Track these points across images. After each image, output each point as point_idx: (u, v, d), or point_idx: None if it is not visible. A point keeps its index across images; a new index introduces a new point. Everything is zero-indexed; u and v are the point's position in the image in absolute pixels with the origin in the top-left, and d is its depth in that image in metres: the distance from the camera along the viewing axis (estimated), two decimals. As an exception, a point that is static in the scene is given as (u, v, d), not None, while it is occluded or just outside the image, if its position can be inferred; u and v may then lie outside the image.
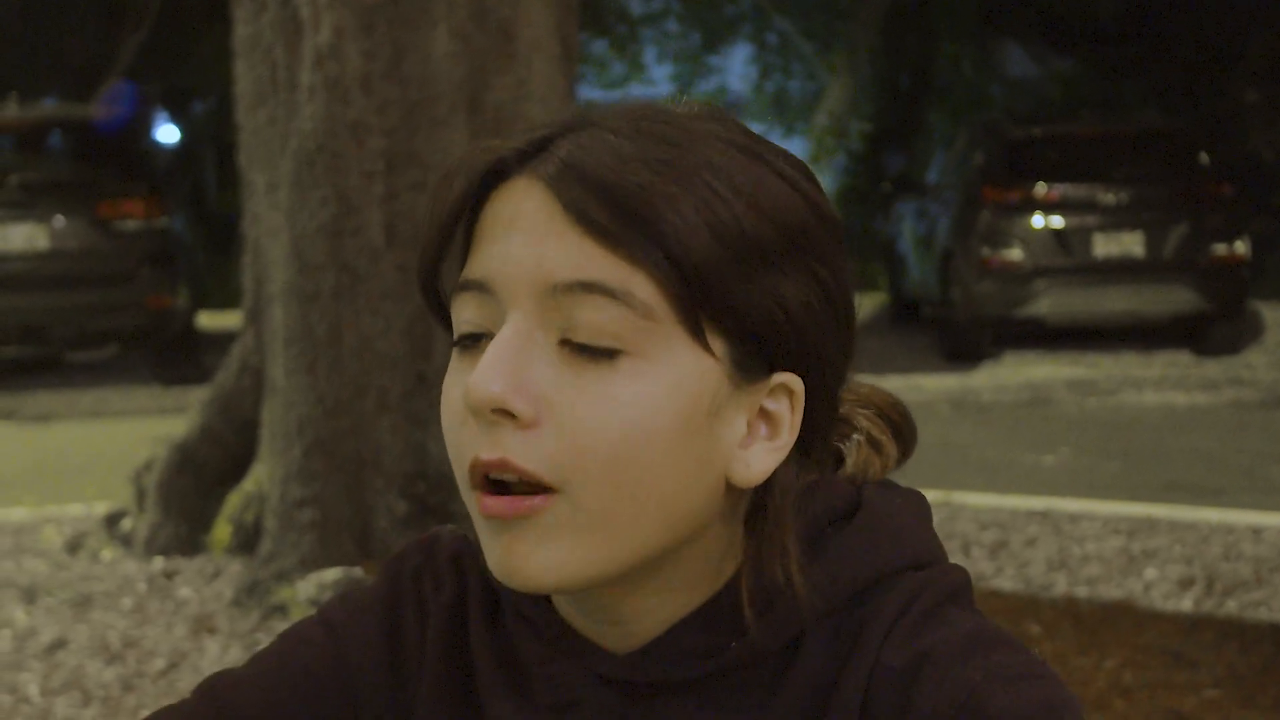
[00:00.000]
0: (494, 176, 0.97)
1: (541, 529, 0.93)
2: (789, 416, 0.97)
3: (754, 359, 0.95)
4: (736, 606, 0.99)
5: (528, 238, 0.93)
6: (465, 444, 0.94)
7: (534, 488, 0.92)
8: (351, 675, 1.10)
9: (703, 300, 0.92)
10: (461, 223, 0.98)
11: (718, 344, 0.93)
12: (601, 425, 0.91)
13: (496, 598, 1.09)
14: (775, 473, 0.97)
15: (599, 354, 0.91)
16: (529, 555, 0.93)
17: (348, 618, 1.12)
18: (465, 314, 0.96)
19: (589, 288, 0.91)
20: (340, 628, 1.11)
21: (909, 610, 0.98)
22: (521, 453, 0.91)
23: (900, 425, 1.12)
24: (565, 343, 0.92)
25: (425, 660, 1.10)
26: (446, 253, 0.98)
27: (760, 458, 0.97)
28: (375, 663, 1.10)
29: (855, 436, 1.09)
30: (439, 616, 1.10)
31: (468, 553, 1.12)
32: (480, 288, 0.95)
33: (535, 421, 0.91)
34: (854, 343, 1.01)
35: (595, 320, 0.91)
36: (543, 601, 1.04)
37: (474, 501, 0.95)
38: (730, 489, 0.97)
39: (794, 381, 0.97)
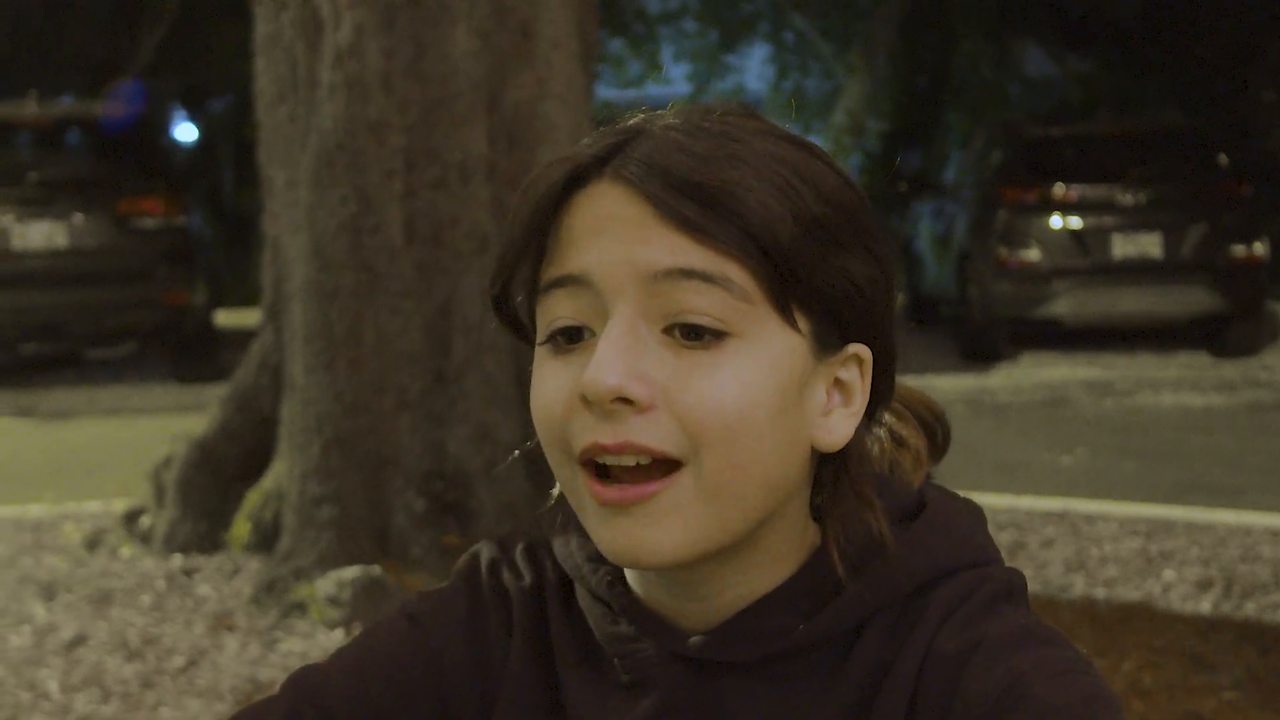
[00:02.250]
0: (573, 183, 1.01)
1: (660, 510, 0.97)
2: (860, 383, 1.05)
3: (831, 333, 1.02)
4: (812, 588, 1.05)
5: (621, 234, 0.98)
6: (576, 433, 0.99)
7: (650, 472, 0.97)
8: (437, 661, 1.14)
9: (790, 282, 0.98)
10: (541, 231, 1.02)
11: (803, 322, 0.99)
12: (715, 401, 0.96)
13: (570, 583, 1.14)
14: (852, 436, 1.05)
15: (704, 337, 0.97)
16: (647, 535, 0.98)
17: (429, 608, 1.17)
18: (560, 310, 1.01)
19: (689, 274, 0.96)
20: (423, 617, 1.16)
21: (965, 603, 1.03)
22: (644, 433, 0.96)
23: (930, 420, 1.18)
24: (669, 331, 0.97)
25: (511, 644, 1.15)
26: (526, 261, 1.03)
27: (840, 424, 1.04)
28: (459, 648, 1.15)
29: (877, 431, 1.15)
30: (520, 601, 1.16)
31: (540, 545, 1.17)
32: (578, 282, 0.99)
33: (652, 405, 0.96)
34: (896, 311, 1.08)
35: (698, 304, 0.96)
36: (618, 583, 1.09)
37: (584, 489, 1.00)
38: (809, 457, 1.04)
39: (864, 351, 1.04)
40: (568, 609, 1.15)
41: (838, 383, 1.04)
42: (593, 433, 0.97)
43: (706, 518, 0.98)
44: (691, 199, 0.96)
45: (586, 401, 0.97)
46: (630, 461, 0.97)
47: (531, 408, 1.03)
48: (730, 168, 0.97)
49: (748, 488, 0.98)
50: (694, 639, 1.06)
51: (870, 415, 1.07)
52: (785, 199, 0.97)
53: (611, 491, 0.97)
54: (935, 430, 1.19)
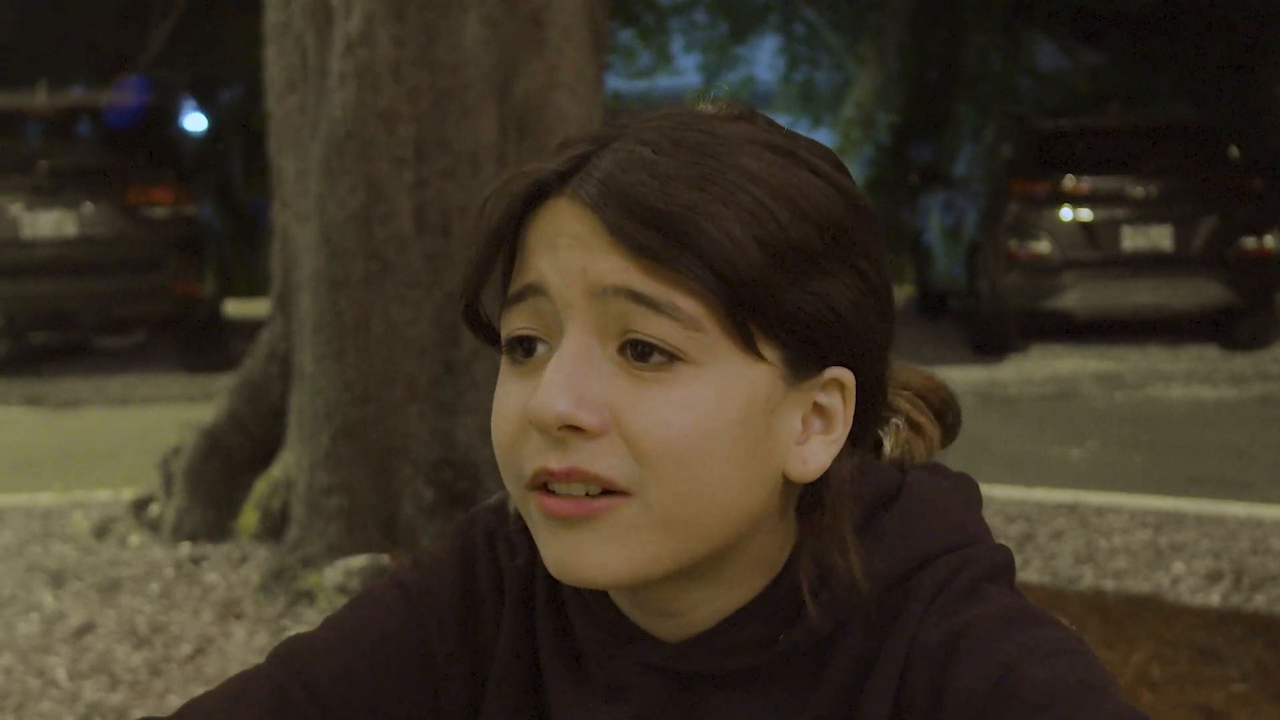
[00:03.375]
0: (534, 198, 0.98)
1: (606, 528, 0.94)
2: (841, 409, 0.99)
3: (806, 358, 0.96)
4: (786, 601, 1.01)
5: (576, 250, 0.94)
6: (527, 456, 0.95)
7: (598, 498, 0.93)
8: (427, 637, 1.11)
9: (752, 312, 0.93)
10: (504, 245, 0.99)
11: (770, 349, 0.94)
12: (666, 430, 0.92)
13: None
14: (831, 466, 0.99)
15: (654, 358, 0.92)
16: (589, 554, 0.94)
17: (422, 580, 1.13)
18: (518, 321, 0.97)
19: (635, 297, 0.92)
20: (415, 589, 1.13)
21: (948, 587, 0.99)
22: (593, 461, 0.92)
23: (941, 407, 1.14)
24: (622, 350, 0.93)
25: (503, 624, 1.12)
26: (490, 274, 1.00)
27: (816, 453, 0.98)
28: (451, 625, 1.12)
29: (894, 420, 1.11)
30: (513, 580, 1.12)
31: None
32: (535, 291, 0.96)
33: (603, 431, 0.92)
34: (894, 327, 1.02)
35: (646, 328, 0.92)
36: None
37: (532, 503, 0.96)
38: (785, 484, 0.99)
39: (845, 375, 0.98)
40: (554, 598, 1.11)
41: (817, 408, 0.98)
42: (541, 457, 0.94)
43: (654, 545, 0.94)
44: (647, 225, 0.91)
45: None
46: (579, 490, 0.93)
47: (491, 421, 1.00)
48: (694, 190, 0.92)
49: (701, 519, 0.94)
50: (669, 651, 1.03)
51: (855, 440, 1.01)
52: (754, 224, 0.92)
53: (556, 504, 0.94)
54: (946, 415, 1.15)
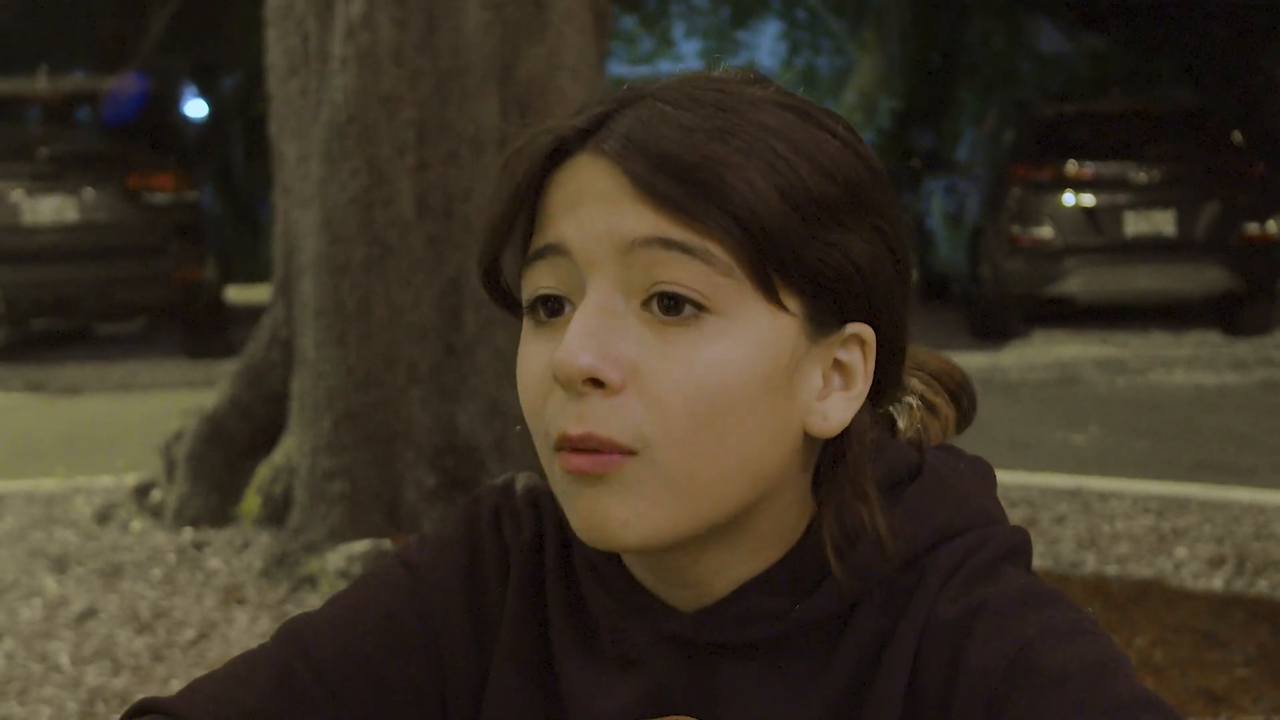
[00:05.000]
0: (556, 156, 0.98)
1: (625, 484, 0.93)
2: (862, 365, 0.99)
3: (827, 312, 0.96)
4: (804, 570, 1.01)
5: (599, 206, 0.94)
6: (551, 416, 0.95)
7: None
8: (432, 615, 1.11)
9: (775, 261, 0.93)
10: (526, 203, 0.99)
11: (792, 301, 0.94)
12: (687, 388, 0.92)
13: (570, 544, 1.10)
14: (851, 422, 0.99)
15: (683, 310, 0.92)
16: (612, 511, 0.94)
17: (428, 559, 1.13)
18: (541, 280, 0.97)
19: (668, 244, 0.92)
20: (421, 569, 1.12)
21: (965, 565, 0.99)
22: (606, 423, 0.92)
23: (956, 390, 1.15)
24: (648, 304, 0.93)
25: (507, 599, 1.11)
26: (512, 234, 0.99)
27: (837, 409, 0.98)
28: (456, 602, 1.11)
29: (908, 399, 1.11)
30: (519, 556, 1.12)
31: (545, 494, 1.13)
32: (556, 251, 0.95)
33: (623, 388, 0.92)
34: (911, 290, 1.02)
35: (678, 276, 0.92)
36: (614, 556, 1.06)
37: (555, 461, 0.95)
38: (805, 442, 0.99)
39: (865, 331, 0.98)
40: (565, 571, 1.11)
41: (838, 364, 0.98)
42: (563, 419, 0.93)
43: (675, 504, 0.93)
44: (671, 176, 0.92)
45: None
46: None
47: (517, 383, 0.99)
48: (715, 141, 0.92)
49: (724, 477, 0.94)
50: (684, 620, 1.02)
51: (875, 400, 1.02)
52: (773, 174, 0.92)
53: (579, 460, 0.93)
54: (961, 398, 1.16)
